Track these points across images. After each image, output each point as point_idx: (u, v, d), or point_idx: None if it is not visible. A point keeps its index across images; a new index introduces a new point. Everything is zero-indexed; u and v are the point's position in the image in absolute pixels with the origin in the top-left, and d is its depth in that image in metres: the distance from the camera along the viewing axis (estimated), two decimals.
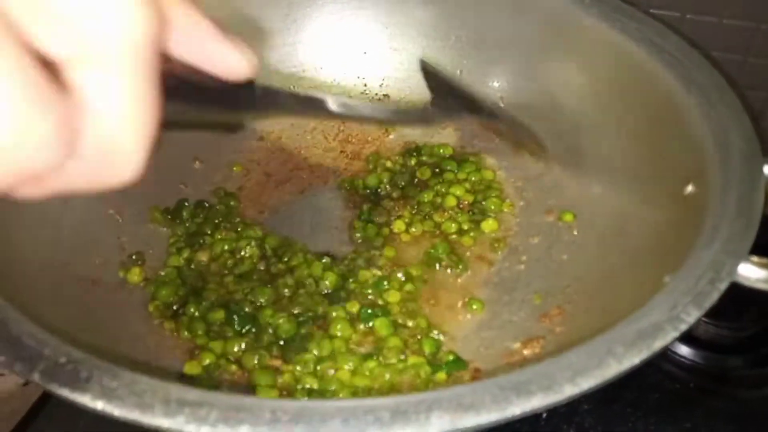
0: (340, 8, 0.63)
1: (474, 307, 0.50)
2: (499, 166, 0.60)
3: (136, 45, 0.19)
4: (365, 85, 0.64)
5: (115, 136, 0.20)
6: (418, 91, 0.63)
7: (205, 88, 0.27)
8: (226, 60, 0.26)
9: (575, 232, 0.54)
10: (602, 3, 0.55)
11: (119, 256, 0.51)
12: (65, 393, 0.29)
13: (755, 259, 0.36)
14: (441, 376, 0.46)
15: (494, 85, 0.61)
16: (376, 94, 0.64)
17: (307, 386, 0.44)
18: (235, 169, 0.59)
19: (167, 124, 0.23)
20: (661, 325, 0.33)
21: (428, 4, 0.62)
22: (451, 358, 0.47)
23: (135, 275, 0.50)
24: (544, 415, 0.49)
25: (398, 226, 0.55)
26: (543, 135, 0.58)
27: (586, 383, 0.30)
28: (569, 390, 0.30)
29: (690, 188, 0.44)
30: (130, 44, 0.19)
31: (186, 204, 0.55)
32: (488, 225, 0.55)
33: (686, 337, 0.53)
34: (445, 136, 0.62)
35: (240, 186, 0.58)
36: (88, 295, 0.47)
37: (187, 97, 0.27)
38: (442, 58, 0.62)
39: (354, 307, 0.49)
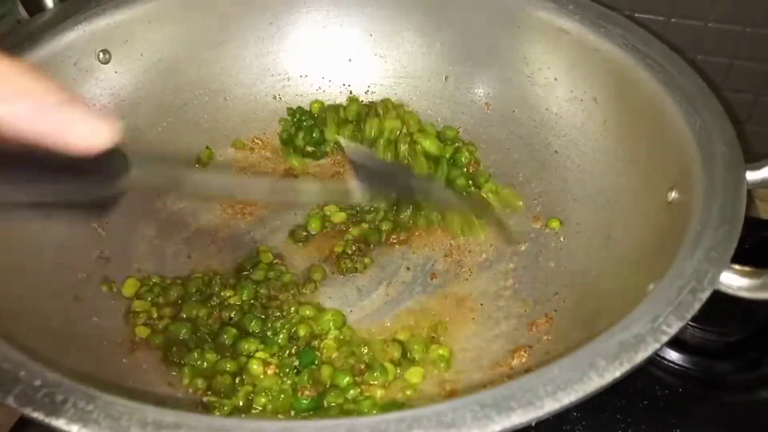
0: (324, 16, 0.63)
1: (464, 315, 0.50)
2: (486, 173, 0.59)
3: None
4: (351, 93, 0.64)
5: None
6: (404, 98, 0.63)
7: (53, 164, 0.23)
8: (73, 131, 0.23)
9: (562, 239, 0.54)
10: (586, 9, 0.54)
11: (102, 271, 0.50)
12: (40, 417, 0.29)
13: (737, 267, 0.36)
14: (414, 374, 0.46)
15: (480, 92, 0.61)
16: (362, 101, 0.64)
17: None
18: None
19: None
20: (643, 337, 0.33)
21: (413, 10, 0.61)
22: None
23: (130, 287, 0.50)
24: (533, 422, 0.49)
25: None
26: (528, 142, 0.58)
27: (567, 398, 0.30)
28: (550, 405, 0.30)
29: (674, 194, 0.44)
30: None
31: None
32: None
33: (675, 342, 0.53)
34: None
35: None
36: (70, 310, 0.46)
37: (35, 178, 0.24)
38: (428, 64, 0.62)
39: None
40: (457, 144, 0.60)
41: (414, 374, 0.46)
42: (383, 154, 0.58)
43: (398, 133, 0.58)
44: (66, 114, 0.22)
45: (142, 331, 0.48)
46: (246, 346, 0.47)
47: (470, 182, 0.58)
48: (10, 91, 0.21)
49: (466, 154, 0.59)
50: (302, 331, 0.48)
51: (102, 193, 0.27)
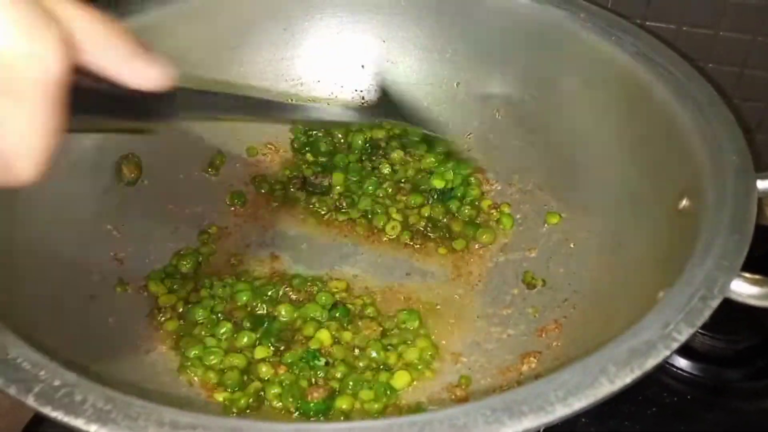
0: (337, 22, 0.63)
1: (473, 320, 0.50)
2: (496, 179, 0.60)
3: (41, 83, 0.23)
4: (363, 99, 0.65)
5: (14, 150, 0.24)
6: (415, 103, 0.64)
7: (119, 95, 0.28)
8: (141, 73, 0.28)
9: (572, 246, 0.54)
10: (598, 18, 0.55)
11: (117, 272, 0.51)
12: (59, 416, 0.29)
13: (747, 275, 0.36)
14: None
15: (491, 98, 0.61)
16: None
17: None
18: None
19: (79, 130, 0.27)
20: (654, 344, 0.33)
21: (425, 17, 0.62)
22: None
23: (156, 285, 0.51)
24: (542, 429, 0.49)
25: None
26: (538, 148, 0.58)
27: (578, 404, 0.30)
28: (561, 410, 0.30)
29: (684, 202, 0.44)
30: (36, 82, 0.23)
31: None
32: (486, 237, 0.56)
33: (684, 350, 0.53)
34: None
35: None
36: (86, 310, 0.47)
37: (100, 106, 0.29)
38: (439, 71, 0.63)
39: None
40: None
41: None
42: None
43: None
44: (131, 60, 0.28)
45: (169, 325, 0.49)
46: (244, 340, 0.48)
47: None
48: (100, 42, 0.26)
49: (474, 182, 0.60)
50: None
51: (142, 126, 0.32)
